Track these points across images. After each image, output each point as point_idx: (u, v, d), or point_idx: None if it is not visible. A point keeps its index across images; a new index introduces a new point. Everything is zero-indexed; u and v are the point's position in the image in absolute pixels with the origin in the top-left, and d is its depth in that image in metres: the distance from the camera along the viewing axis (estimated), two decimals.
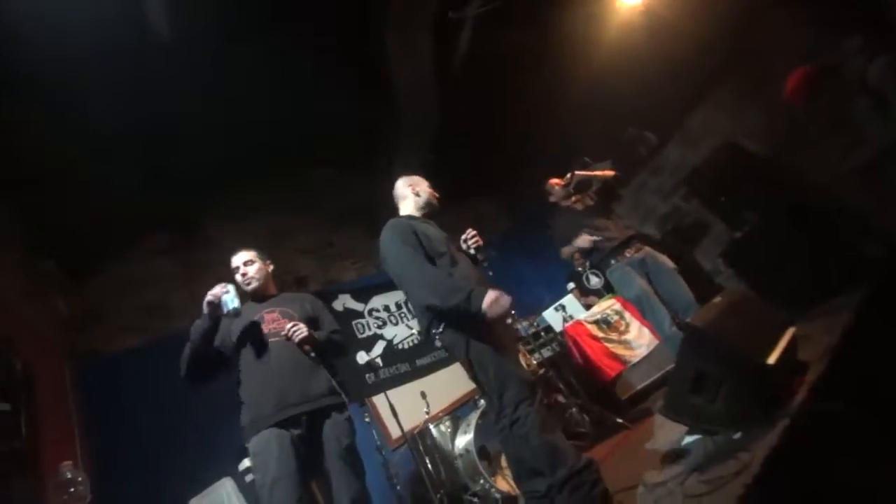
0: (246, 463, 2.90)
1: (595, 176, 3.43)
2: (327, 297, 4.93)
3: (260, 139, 4.10)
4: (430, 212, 2.34)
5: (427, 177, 2.48)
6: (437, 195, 2.39)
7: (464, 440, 3.15)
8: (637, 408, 3.68)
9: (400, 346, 4.83)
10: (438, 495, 3.10)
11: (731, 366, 1.83)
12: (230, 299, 2.05)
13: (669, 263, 3.07)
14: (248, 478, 2.90)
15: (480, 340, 1.85)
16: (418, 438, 3.40)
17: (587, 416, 3.51)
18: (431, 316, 1.94)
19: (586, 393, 3.73)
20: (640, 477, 1.98)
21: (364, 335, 4.80)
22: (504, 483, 2.95)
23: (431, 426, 3.40)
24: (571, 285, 4.92)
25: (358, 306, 4.98)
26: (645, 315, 3.06)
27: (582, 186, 3.42)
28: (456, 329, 1.89)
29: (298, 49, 3.52)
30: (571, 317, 4.34)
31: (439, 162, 4.62)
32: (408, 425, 3.51)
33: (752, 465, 1.53)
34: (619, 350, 4.00)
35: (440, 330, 1.92)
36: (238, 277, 2.33)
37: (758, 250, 3.79)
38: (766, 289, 3.54)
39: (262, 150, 4.18)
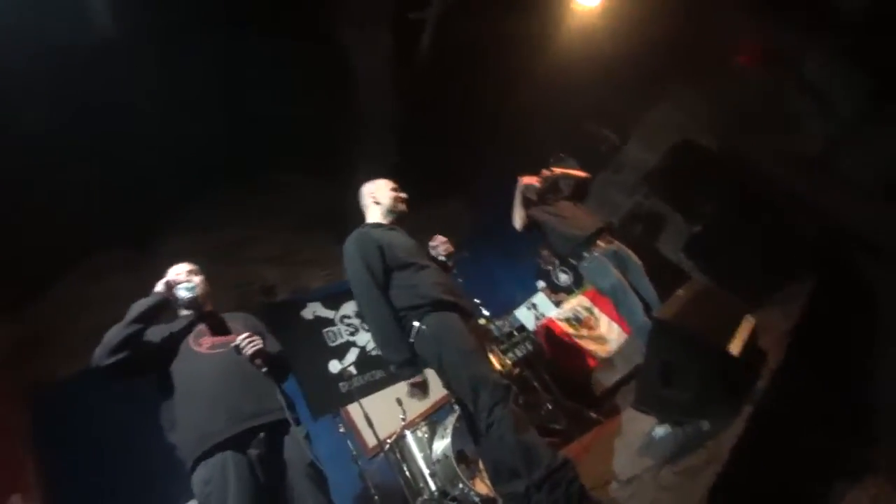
0: None
1: (576, 176, 3.57)
2: (296, 305, 4.82)
3: (217, 145, 3.90)
4: (396, 217, 2.31)
5: (394, 178, 2.43)
6: (402, 197, 2.35)
7: (441, 445, 3.11)
8: (610, 402, 3.74)
9: (374, 353, 4.73)
10: (417, 503, 3.06)
11: (696, 356, 1.88)
12: (190, 287, 1.99)
13: (638, 260, 3.18)
14: None
15: (452, 348, 1.85)
16: (395, 446, 3.34)
17: (562, 413, 3.54)
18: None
19: (560, 390, 3.77)
20: (614, 472, 2.00)
21: (336, 343, 4.69)
22: (483, 486, 2.93)
23: (408, 433, 3.35)
24: (541, 284, 4.96)
25: (329, 314, 4.87)
26: (619, 305, 3.11)
27: (559, 184, 3.53)
28: (428, 338, 1.88)
29: (253, 51, 3.42)
30: (543, 315, 4.38)
31: (406, 163, 4.56)
32: (384, 433, 3.45)
33: (720, 454, 1.57)
34: (592, 346, 4.07)
35: (411, 339, 1.91)
36: (183, 284, 2.11)
37: (716, 242, 3.92)
38: (725, 279, 3.68)
39: (219, 156, 3.99)
